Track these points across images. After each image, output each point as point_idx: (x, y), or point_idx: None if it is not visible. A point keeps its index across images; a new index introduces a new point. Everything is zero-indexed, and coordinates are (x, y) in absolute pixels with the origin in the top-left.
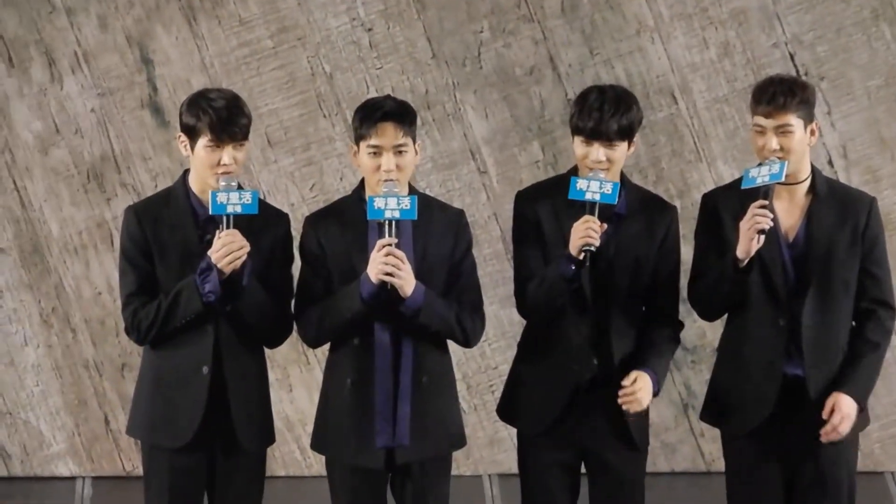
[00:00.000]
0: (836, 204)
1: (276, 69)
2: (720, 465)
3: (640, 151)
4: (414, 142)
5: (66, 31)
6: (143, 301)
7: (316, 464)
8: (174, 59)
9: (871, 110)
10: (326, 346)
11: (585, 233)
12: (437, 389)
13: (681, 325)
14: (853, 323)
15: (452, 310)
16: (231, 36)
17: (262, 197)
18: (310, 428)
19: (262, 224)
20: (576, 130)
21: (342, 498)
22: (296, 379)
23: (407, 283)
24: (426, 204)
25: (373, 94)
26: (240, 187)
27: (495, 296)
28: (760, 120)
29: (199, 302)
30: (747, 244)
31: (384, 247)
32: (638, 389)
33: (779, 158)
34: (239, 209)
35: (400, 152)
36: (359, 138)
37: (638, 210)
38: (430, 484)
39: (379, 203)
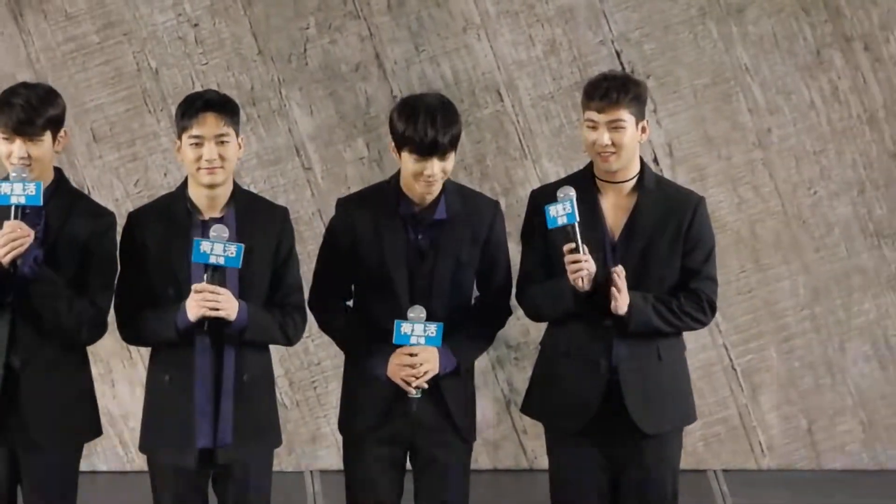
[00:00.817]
0: (661, 202)
1: (102, 64)
2: (543, 462)
3: (465, 149)
4: (237, 135)
5: None
6: None
7: (138, 458)
8: (0, 55)
9: (698, 108)
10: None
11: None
12: (258, 388)
13: (508, 313)
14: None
15: (276, 320)
16: (57, 31)
17: (87, 192)
18: (132, 423)
19: (83, 220)
20: (407, 145)
21: (163, 496)
22: (118, 374)
23: (230, 311)
24: (251, 202)
25: (198, 90)
26: (61, 180)
27: None
28: (593, 115)
29: None
30: (577, 285)
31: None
32: (422, 360)
33: (611, 153)
34: (23, 200)
35: (222, 142)
36: (181, 130)
37: (458, 212)
38: (251, 481)
39: (205, 247)
